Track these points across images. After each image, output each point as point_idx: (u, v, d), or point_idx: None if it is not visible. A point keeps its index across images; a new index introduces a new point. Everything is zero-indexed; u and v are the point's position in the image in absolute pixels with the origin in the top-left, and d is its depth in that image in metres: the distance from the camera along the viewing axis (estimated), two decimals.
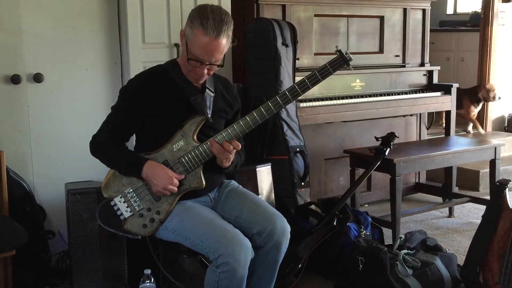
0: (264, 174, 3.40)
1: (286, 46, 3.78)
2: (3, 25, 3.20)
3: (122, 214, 2.37)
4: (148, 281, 2.50)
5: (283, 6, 4.03)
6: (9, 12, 3.21)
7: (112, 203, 2.38)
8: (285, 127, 3.69)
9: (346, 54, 2.29)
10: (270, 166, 3.45)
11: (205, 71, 2.30)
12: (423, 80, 4.80)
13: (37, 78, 3.31)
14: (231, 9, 3.69)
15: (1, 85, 3.23)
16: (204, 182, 2.36)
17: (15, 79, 3.24)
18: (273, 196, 3.43)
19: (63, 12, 3.38)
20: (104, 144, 2.40)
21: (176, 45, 3.58)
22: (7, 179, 3.01)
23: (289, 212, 3.49)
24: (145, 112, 2.35)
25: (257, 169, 3.37)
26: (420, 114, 4.85)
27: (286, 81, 3.74)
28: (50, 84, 3.36)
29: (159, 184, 2.30)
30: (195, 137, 2.34)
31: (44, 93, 3.36)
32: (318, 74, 2.29)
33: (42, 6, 3.31)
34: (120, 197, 2.37)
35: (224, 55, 2.31)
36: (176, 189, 2.32)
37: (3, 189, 2.98)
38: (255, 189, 3.31)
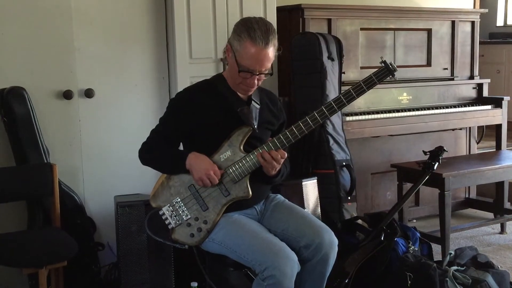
0: (310, 188, 3.38)
1: (332, 60, 3.77)
2: (56, 42, 3.31)
3: (170, 223, 2.41)
4: None
5: (329, 20, 4.03)
6: (62, 29, 3.33)
7: (160, 213, 2.42)
8: (331, 141, 3.67)
9: (391, 64, 2.30)
10: (316, 180, 3.43)
11: (256, 81, 2.35)
12: (473, 93, 4.70)
13: (88, 93, 3.40)
14: (277, 23, 3.71)
15: (54, 100, 3.33)
16: (250, 192, 2.37)
17: (67, 95, 3.34)
18: (319, 210, 3.40)
19: (113, 29, 3.47)
20: (151, 149, 2.44)
21: (223, 60, 3.62)
22: (59, 191, 3.10)
23: (336, 227, 3.45)
24: (193, 123, 2.39)
25: (303, 183, 3.36)
26: (470, 128, 4.75)
27: (332, 95, 3.72)
28: (100, 99, 3.45)
29: (201, 170, 2.31)
30: (242, 148, 2.36)
31: (94, 108, 3.45)
32: (363, 85, 2.31)
33: (93, 24, 3.41)
34: (168, 207, 2.41)
35: (272, 63, 2.35)
36: (217, 179, 2.32)
37: (56, 201, 3.07)
38: (301, 203, 3.29)
